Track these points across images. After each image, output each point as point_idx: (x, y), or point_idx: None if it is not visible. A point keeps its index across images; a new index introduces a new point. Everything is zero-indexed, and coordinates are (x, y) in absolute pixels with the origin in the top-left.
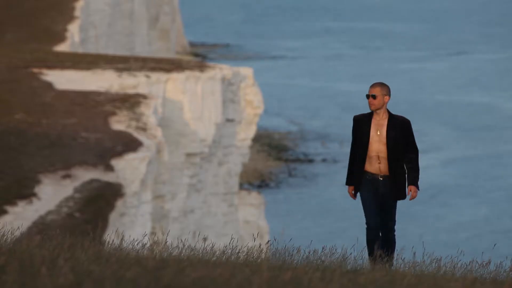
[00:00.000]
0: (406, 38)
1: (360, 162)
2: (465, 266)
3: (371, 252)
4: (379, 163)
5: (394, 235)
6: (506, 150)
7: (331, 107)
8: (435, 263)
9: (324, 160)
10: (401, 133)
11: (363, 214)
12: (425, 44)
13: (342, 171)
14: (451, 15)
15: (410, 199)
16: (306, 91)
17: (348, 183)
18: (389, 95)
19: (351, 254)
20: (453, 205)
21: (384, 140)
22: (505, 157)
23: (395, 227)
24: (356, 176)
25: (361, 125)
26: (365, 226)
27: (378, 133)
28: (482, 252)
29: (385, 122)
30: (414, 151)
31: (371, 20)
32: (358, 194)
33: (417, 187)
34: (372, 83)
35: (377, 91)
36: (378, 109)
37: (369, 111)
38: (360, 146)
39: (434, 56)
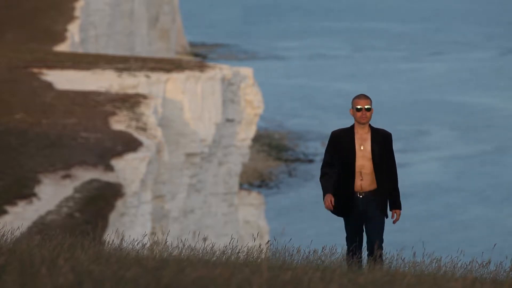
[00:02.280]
0: (403, 38)
1: (345, 180)
2: (465, 266)
3: (349, 264)
4: (361, 179)
5: (382, 254)
6: (505, 150)
7: (330, 107)
8: (435, 263)
9: None
10: (384, 147)
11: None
12: (422, 44)
13: None
14: (448, 15)
15: (394, 223)
16: (305, 91)
17: (325, 192)
18: None
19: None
20: (452, 205)
21: (369, 155)
22: (504, 156)
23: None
24: (343, 196)
25: (343, 141)
26: (346, 246)
27: (362, 148)
28: (482, 252)
29: (369, 136)
30: (394, 168)
31: (369, 20)
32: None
33: (401, 208)
34: (358, 95)
35: (369, 103)
36: (367, 122)
37: (346, 126)
38: (345, 164)
39: (431, 55)
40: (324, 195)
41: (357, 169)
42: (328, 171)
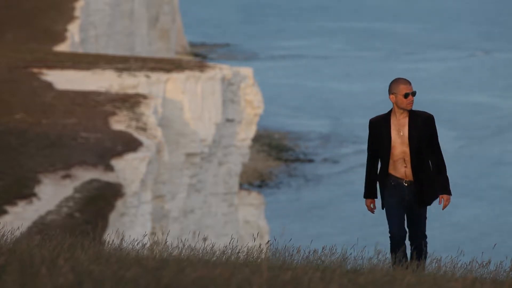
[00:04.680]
0: (403, 37)
1: (383, 167)
2: (465, 266)
3: (395, 262)
4: (405, 167)
5: (426, 245)
6: (505, 149)
7: (329, 107)
8: (435, 263)
9: (324, 160)
10: (424, 131)
11: (386, 222)
12: (422, 44)
13: (342, 170)
14: (444, 14)
15: (443, 208)
16: (305, 91)
17: (366, 195)
18: None
19: (351, 254)
20: (452, 205)
21: (407, 140)
22: (504, 156)
23: (426, 235)
24: (380, 181)
25: (379, 128)
26: (388, 235)
27: (401, 133)
28: (482, 252)
29: (407, 121)
30: (439, 151)
31: (367, 20)
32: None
33: (450, 193)
34: (400, 80)
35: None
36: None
37: (383, 113)
38: (382, 151)
39: (430, 55)
40: (364, 196)
41: (399, 157)
42: (370, 166)
